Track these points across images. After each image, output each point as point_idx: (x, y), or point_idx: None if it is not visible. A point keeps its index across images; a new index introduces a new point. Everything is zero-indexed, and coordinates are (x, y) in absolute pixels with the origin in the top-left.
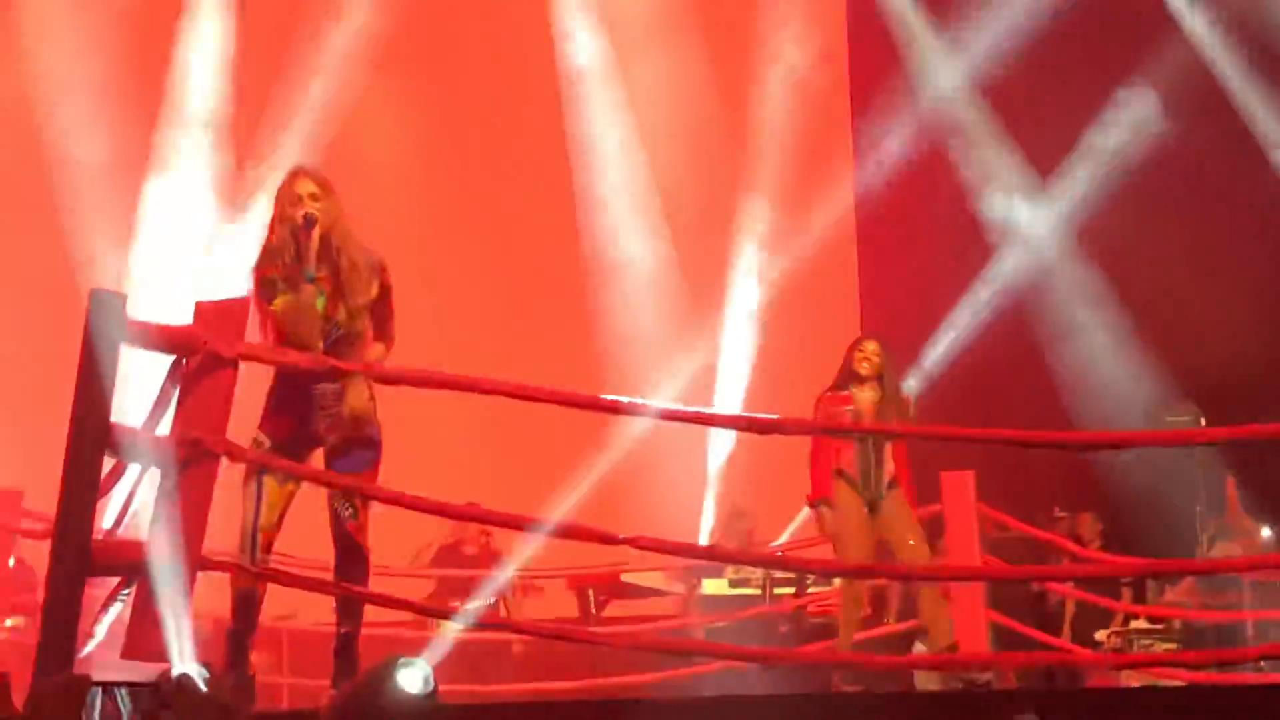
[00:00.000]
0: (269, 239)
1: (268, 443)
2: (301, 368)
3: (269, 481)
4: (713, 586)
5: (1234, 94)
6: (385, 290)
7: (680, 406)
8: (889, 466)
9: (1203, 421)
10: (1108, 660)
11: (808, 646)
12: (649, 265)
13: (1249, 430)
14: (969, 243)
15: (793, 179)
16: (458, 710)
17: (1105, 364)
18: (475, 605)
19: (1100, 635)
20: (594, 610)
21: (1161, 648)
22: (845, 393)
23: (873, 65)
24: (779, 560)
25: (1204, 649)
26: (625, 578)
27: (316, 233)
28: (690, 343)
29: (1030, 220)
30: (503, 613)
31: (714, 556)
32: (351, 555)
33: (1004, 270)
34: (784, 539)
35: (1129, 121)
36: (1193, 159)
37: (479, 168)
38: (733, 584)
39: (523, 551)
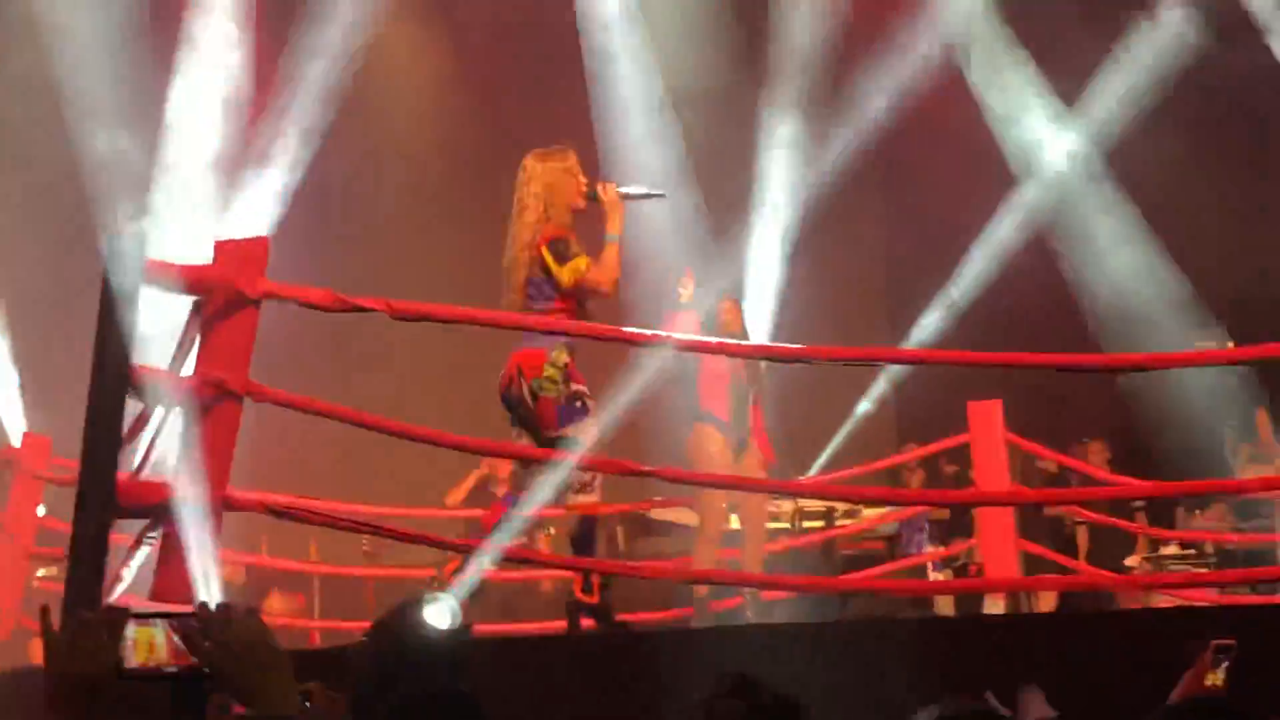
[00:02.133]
0: (549, 209)
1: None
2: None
3: None
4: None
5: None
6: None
7: (700, 337)
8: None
9: (1230, 345)
10: (1142, 581)
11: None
12: (671, 199)
13: (1277, 349)
14: (995, 168)
15: (818, 102)
16: (486, 644)
17: (1133, 289)
18: (504, 541)
19: (1130, 560)
20: (623, 547)
21: (1194, 572)
22: None
23: None
24: (811, 488)
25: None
26: (654, 513)
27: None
28: (715, 273)
29: (1057, 144)
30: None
31: (739, 486)
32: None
33: (1031, 195)
34: (814, 471)
35: (1159, 40)
36: (1226, 80)
37: (501, 109)
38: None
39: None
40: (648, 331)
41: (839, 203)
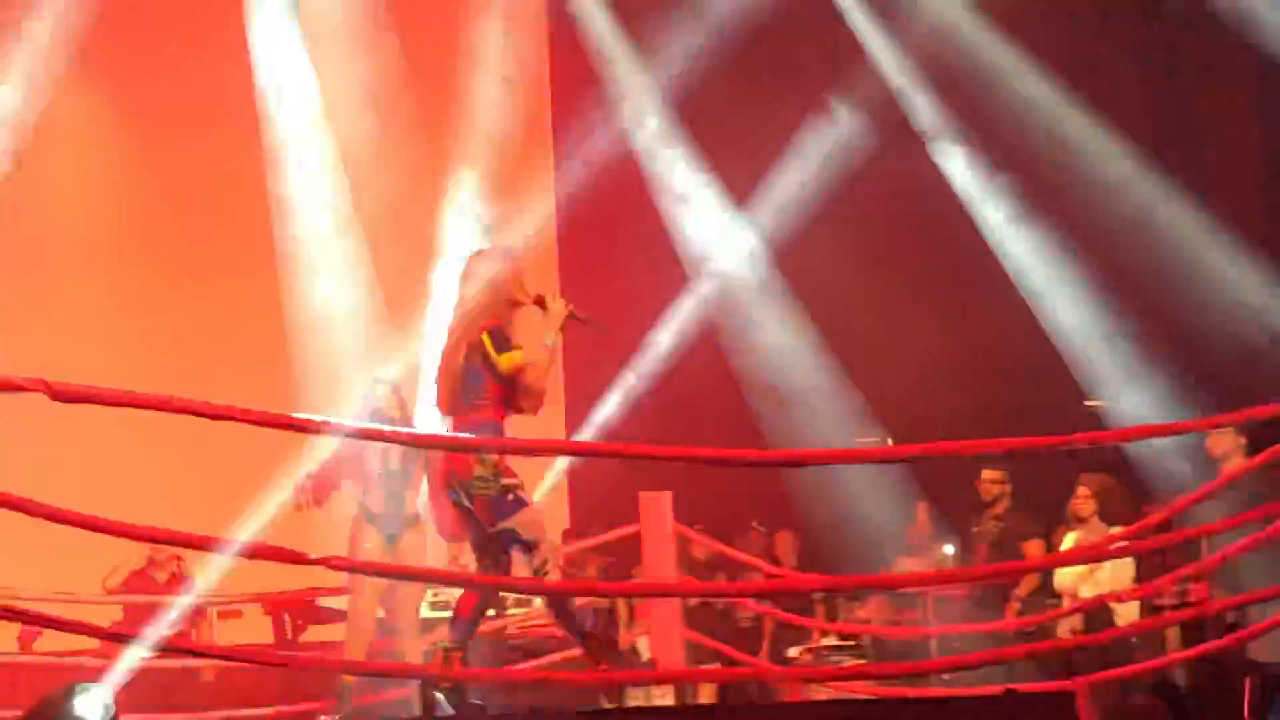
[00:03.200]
0: (492, 302)
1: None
2: None
3: None
4: None
5: (918, 116)
6: None
7: (373, 424)
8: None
9: (890, 442)
10: (798, 674)
11: (509, 668)
12: (350, 278)
13: (934, 448)
14: (669, 261)
15: (495, 188)
16: None
17: (799, 385)
18: (162, 630)
19: (793, 652)
20: (290, 635)
21: (851, 663)
22: None
23: (574, 78)
24: (479, 580)
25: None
26: (321, 601)
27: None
28: (393, 354)
29: (729, 240)
30: (194, 638)
31: (410, 576)
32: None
33: (703, 290)
34: None
35: (827, 141)
36: (890, 179)
37: (173, 180)
38: (433, 606)
39: (214, 575)
40: (317, 418)
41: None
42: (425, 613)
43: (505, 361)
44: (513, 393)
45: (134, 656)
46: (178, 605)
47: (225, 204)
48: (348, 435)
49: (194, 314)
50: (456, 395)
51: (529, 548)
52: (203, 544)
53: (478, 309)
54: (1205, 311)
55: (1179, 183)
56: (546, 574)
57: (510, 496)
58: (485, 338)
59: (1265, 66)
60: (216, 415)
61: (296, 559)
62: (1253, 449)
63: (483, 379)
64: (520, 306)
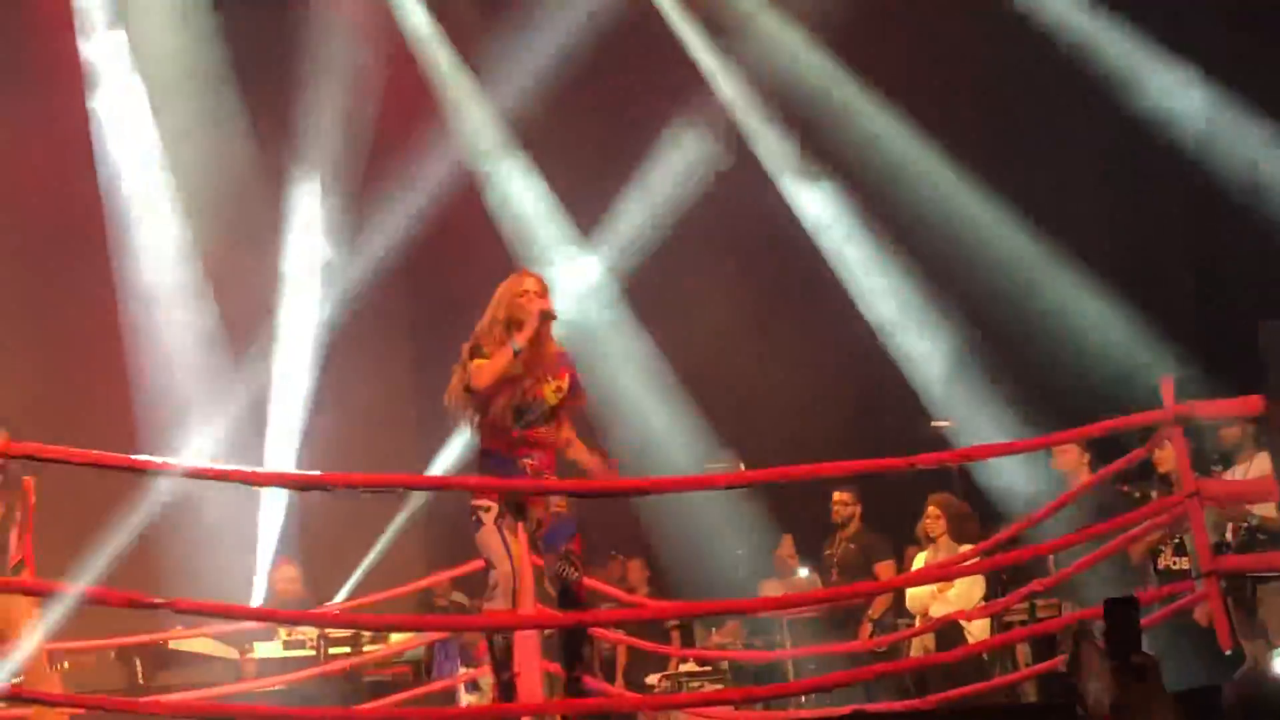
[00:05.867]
0: (487, 319)
1: (495, 508)
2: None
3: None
4: (266, 649)
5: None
6: (576, 382)
7: (208, 464)
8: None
9: (742, 467)
10: (660, 701)
11: (364, 705)
12: (190, 315)
13: (782, 472)
14: None
15: (342, 217)
16: None
17: (651, 413)
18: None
19: (651, 679)
20: (142, 680)
21: (710, 688)
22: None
23: (408, 106)
24: (330, 618)
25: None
26: (173, 644)
27: (547, 325)
28: (237, 387)
29: (574, 268)
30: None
31: (259, 617)
32: (576, 607)
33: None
34: (342, 596)
35: (673, 169)
36: (738, 207)
37: (8, 219)
38: (287, 645)
39: (52, 620)
40: (156, 459)
41: (366, 322)
42: (278, 652)
43: (470, 374)
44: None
45: None
46: (17, 651)
47: (62, 237)
48: (186, 475)
49: (32, 355)
50: (472, 412)
51: (486, 569)
52: (47, 589)
53: (474, 335)
54: (1047, 334)
55: (1021, 209)
56: (493, 598)
57: (474, 518)
58: (466, 357)
59: (1102, 87)
60: (56, 458)
61: (137, 603)
62: (1097, 466)
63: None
64: (524, 324)
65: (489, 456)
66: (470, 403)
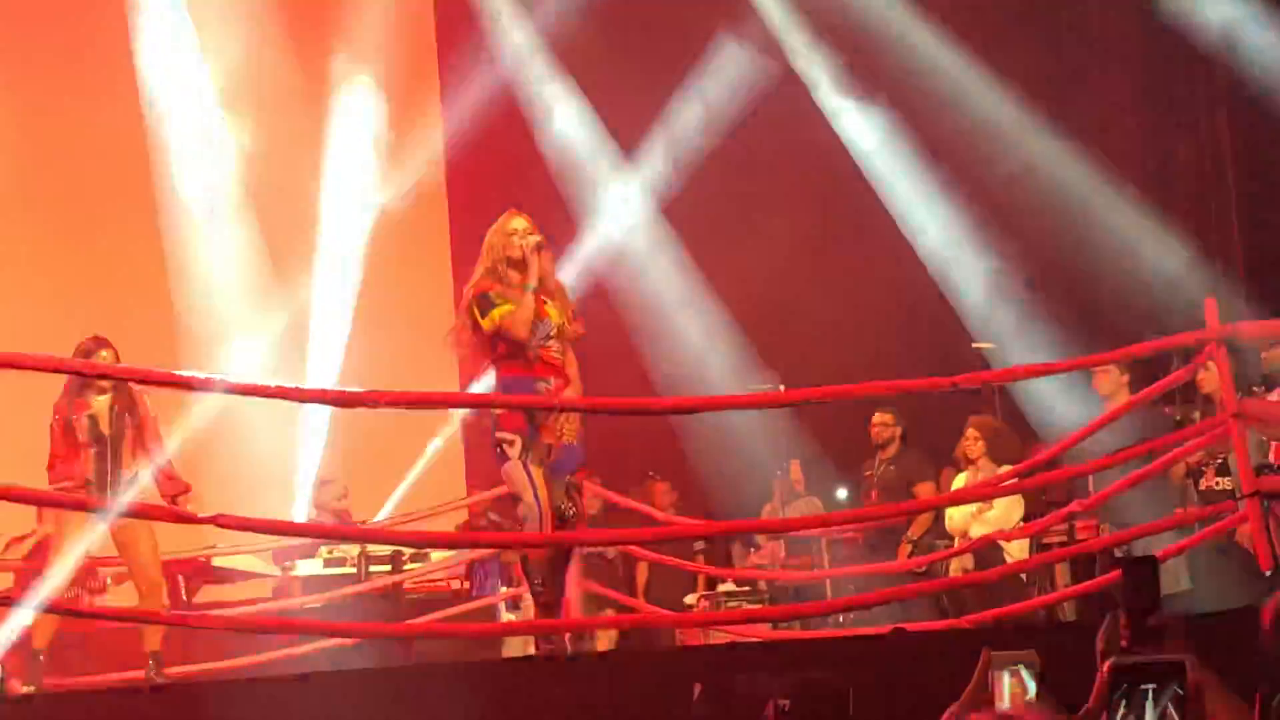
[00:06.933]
0: (487, 264)
1: (519, 440)
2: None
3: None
4: (308, 567)
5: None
6: (574, 310)
7: (253, 381)
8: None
9: (782, 388)
10: (699, 619)
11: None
12: (234, 231)
13: (822, 392)
14: (558, 210)
15: (386, 132)
16: (27, 700)
17: (693, 335)
18: (47, 593)
19: (689, 598)
20: (185, 597)
21: (749, 606)
22: (82, 399)
23: (457, 22)
24: (372, 534)
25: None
26: (216, 561)
27: (546, 254)
28: (278, 306)
29: (617, 188)
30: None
31: (302, 533)
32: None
33: (593, 239)
34: (384, 514)
35: (715, 87)
36: (781, 127)
37: (51, 141)
38: (327, 563)
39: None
40: (200, 375)
41: (407, 236)
42: (319, 570)
43: (488, 323)
44: (511, 347)
45: (20, 620)
46: (64, 569)
47: (105, 156)
48: (229, 391)
49: (75, 273)
50: (488, 351)
51: (514, 500)
52: (91, 505)
53: (475, 277)
54: (1092, 257)
55: (1065, 133)
56: (525, 528)
57: (499, 450)
58: (474, 305)
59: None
60: (99, 374)
61: (183, 518)
62: (1136, 388)
63: (482, 339)
64: (515, 263)
65: (510, 383)
66: (484, 343)
